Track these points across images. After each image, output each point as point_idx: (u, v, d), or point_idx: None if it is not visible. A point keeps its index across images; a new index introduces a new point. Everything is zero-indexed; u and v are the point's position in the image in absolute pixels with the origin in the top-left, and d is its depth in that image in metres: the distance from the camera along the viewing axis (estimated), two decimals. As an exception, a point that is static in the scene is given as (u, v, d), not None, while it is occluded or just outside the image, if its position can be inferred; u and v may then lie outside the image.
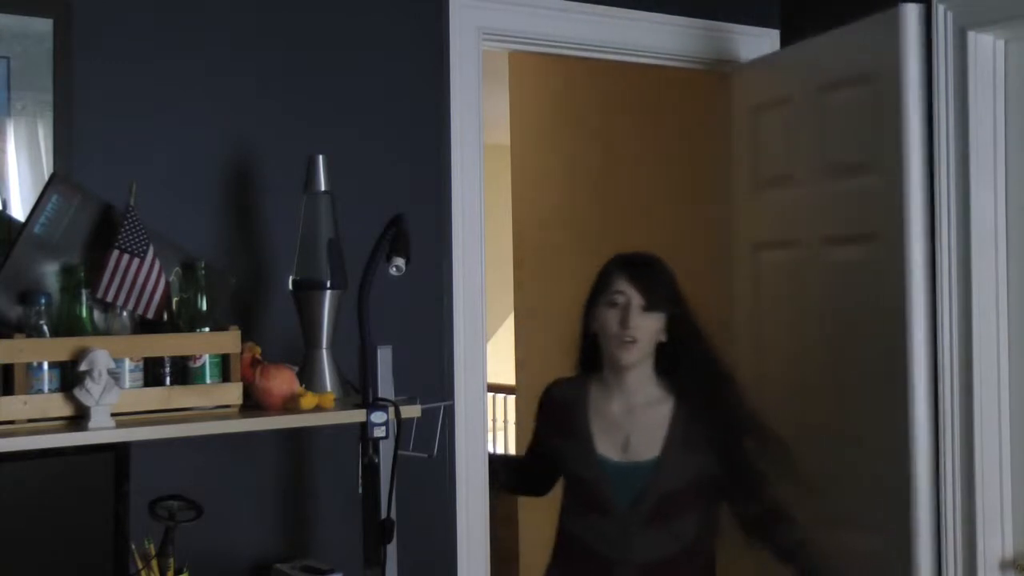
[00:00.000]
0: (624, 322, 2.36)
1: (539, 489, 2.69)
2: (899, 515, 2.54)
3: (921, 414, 2.52)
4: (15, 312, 1.97)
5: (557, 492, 2.58)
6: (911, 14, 2.52)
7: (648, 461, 2.37)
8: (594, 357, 2.48)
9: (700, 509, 2.38)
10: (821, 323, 2.77)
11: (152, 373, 2.04)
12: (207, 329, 2.07)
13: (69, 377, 1.92)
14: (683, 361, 2.41)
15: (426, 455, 2.34)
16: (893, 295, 2.54)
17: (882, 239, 2.58)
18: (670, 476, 2.35)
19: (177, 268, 2.13)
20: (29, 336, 1.91)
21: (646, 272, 2.42)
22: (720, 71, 3.14)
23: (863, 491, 2.63)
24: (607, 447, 2.40)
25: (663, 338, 2.41)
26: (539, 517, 4.23)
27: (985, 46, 2.58)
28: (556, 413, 2.52)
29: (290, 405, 2.08)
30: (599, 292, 2.44)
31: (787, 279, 2.90)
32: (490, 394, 3.99)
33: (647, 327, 2.38)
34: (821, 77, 2.77)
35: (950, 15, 2.70)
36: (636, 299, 2.37)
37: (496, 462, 2.75)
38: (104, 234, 2.05)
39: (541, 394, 2.58)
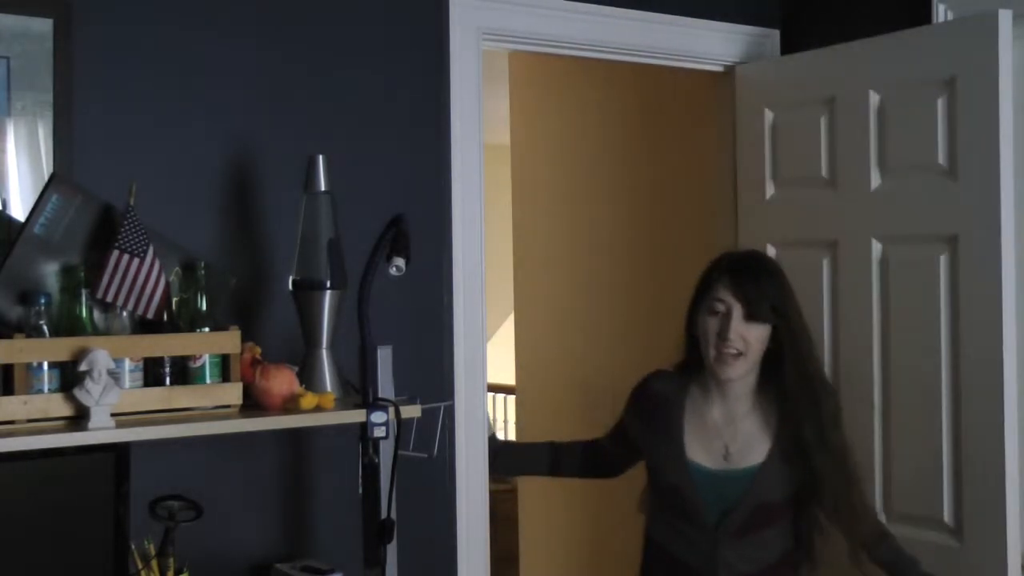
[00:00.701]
0: (723, 332, 2.23)
1: (610, 472, 2.62)
2: (989, 519, 2.51)
3: (1012, 420, 2.50)
4: (15, 312, 1.97)
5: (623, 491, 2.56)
6: (1006, 19, 2.48)
7: (745, 470, 2.28)
8: (699, 362, 2.34)
9: (795, 522, 2.31)
10: (876, 321, 2.74)
11: (152, 373, 2.04)
12: (207, 329, 2.07)
13: (69, 377, 1.92)
14: (789, 374, 2.28)
15: (426, 455, 2.35)
16: (980, 296, 2.52)
17: (965, 241, 2.55)
18: (767, 487, 2.27)
19: (177, 268, 2.13)
20: (29, 336, 1.91)
21: (750, 277, 2.26)
22: (721, 71, 3.14)
23: (943, 495, 2.62)
24: (699, 453, 2.31)
25: (769, 345, 2.28)
26: (539, 517, 4.24)
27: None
28: (649, 406, 2.41)
29: (290, 405, 2.08)
30: (700, 297, 2.31)
31: (820, 278, 2.86)
32: (490, 394, 4.00)
33: (752, 338, 2.24)
34: (878, 78, 2.73)
35: (950, 15, 2.71)
36: (737, 309, 2.24)
37: (555, 449, 2.65)
38: (104, 234, 2.05)
39: (637, 383, 2.46)
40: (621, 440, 2.53)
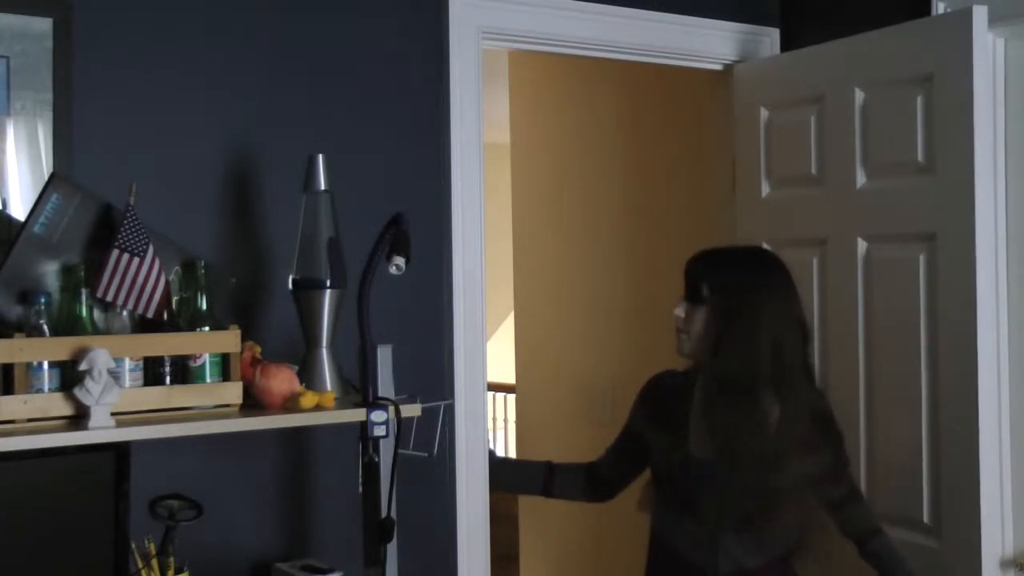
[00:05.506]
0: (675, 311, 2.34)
1: (607, 494, 2.60)
2: (965, 519, 2.52)
3: (990, 417, 2.51)
4: (15, 312, 1.97)
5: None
6: (980, 15, 2.49)
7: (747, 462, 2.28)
8: None
9: (796, 515, 2.31)
10: (860, 320, 2.75)
11: (152, 372, 2.04)
12: (207, 328, 2.07)
13: (69, 376, 1.92)
14: (719, 358, 2.29)
15: (426, 454, 2.35)
16: (957, 295, 2.52)
17: (943, 239, 2.55)
18: (767, 478, 2.26)
19: (177, 268, 2.13)
20: (29, 336, 1.91)
21: (696, 260, 2.35)
22: (720, 69, 3.14)
23: (922, 493, 2.62)
24: (701, 445, 2.32)
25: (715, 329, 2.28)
26: (539, 517, 4.24)
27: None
28: (658, 401, 2.45)
29: (290, 404, 2.08)
30: None
31: (811, 277, 2.87)
32: (490, 393, 3.99)
33: (691, 317, 2.31)
34: (863, 75, 2.74)
35: (949, 12, 2.71)
36: (684, 289, 2.34)
37: (552, 469, 2.63)
38: (104, 234, 2.05)
39: (647, 381, 2.51)
40: (627, 445, 2.53)
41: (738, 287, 2.31)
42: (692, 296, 2.32)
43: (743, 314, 2.28)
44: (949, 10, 2.69)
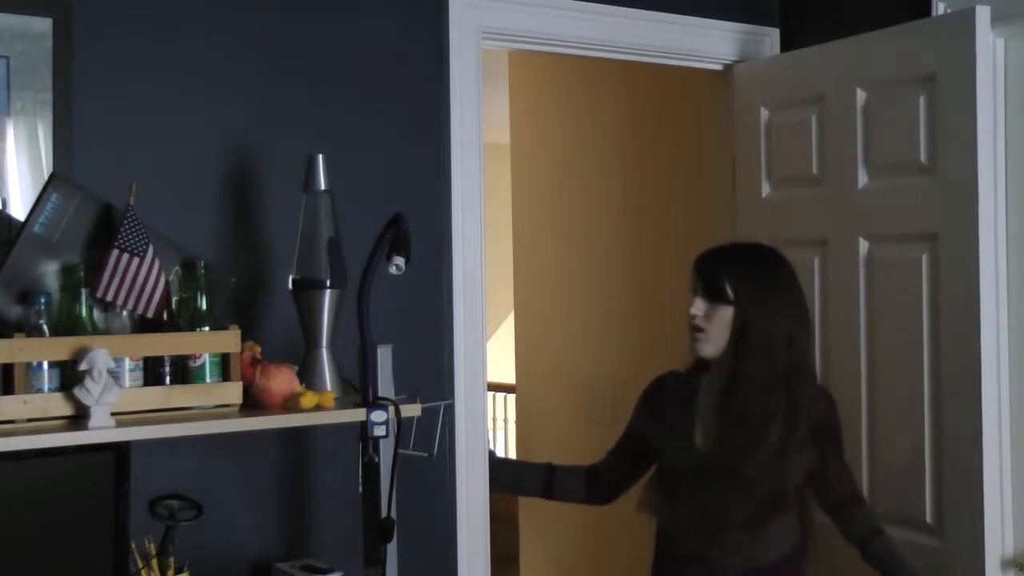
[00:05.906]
0: (689, 308, 2.31)
1: (608, 496, 2.60)
2: (969, 519, 2.51)
3: (991, 419, 2.51)
4: (15, 312, 1.97)
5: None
6: (983, 15, 2.48)
7: (755, 459, 2.28)
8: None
9: (801, 513, 2.33)
10: (863, 321, 2.75)
11: (152, 372, 2.04)
12: (207, 328, 2.07)
13: (69, 376, 1.92)
14: (741, 360, 2.29)
15: (426, 454, 2.35)
16: (959, 295, 2.52)
17: (945, 239, 2.55)
18: (775, 476, 2.28)
19: (177, 268, 2.13)
20: (29, 335, 1.91)
21: (714, 258, 2.35)
22: (720, 69, 3.14)
23: (924, 493, 2.62)
24: (710, 444, 2.32)
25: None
26: (539, 517, 4.24)
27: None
28: (662, 401, 2.45)
29: (290, 404, 2.08)
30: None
31: (812, 277, 2.86)
32: (490, 393, 3.99)
33: (712, 316, 2.29)
34: (865, 75, 2.74)
35: (949, 12, 2.71)
36: (700, 287, 2.31)
37: (553, 470, 2.63)
38: (104, 233, 2.05)
39: (650, 382, 2.51)
40: (629, 447, 2.53)
41: (759, 284, 2.32)
42: (712, 295, 2.30)
43: (764, 311, 2.29)
44: (949, 10, 2.69)
